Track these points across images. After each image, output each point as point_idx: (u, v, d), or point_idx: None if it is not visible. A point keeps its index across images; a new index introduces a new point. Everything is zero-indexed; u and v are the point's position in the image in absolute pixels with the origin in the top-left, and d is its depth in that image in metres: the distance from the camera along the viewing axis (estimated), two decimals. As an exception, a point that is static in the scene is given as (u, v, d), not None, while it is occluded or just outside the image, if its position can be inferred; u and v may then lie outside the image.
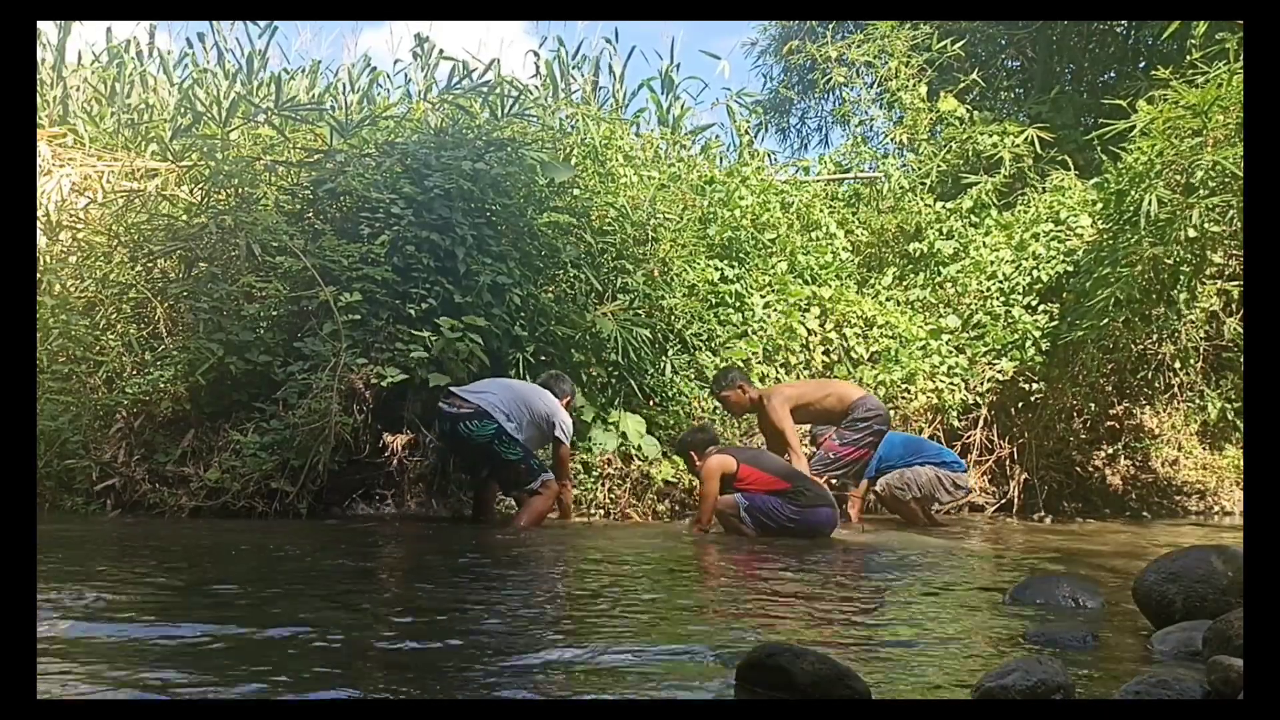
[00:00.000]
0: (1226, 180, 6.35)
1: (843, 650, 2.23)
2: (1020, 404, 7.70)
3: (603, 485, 5.93)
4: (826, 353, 7.62)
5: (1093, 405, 7.74)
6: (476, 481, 5.44)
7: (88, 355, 5.71)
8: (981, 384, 7.49)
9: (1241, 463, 7.57)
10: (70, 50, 9.77)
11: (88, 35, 22.96)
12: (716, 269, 7.47)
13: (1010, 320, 7.69)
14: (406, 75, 11.54)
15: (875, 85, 10.13)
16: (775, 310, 7.51)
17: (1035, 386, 7.53)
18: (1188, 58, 7.06)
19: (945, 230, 8.53)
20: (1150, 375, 7.67)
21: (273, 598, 2.83)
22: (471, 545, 4.45)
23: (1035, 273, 7.80)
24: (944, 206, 8.69)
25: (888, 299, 8.20)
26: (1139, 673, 1.80)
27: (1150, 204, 6.48)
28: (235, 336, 5.39)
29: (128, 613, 2.42)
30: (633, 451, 6.05)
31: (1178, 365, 7.43)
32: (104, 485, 5.21)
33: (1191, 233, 6.45)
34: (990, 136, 8.91)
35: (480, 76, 8.16)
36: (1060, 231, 7.93)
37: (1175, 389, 7.69)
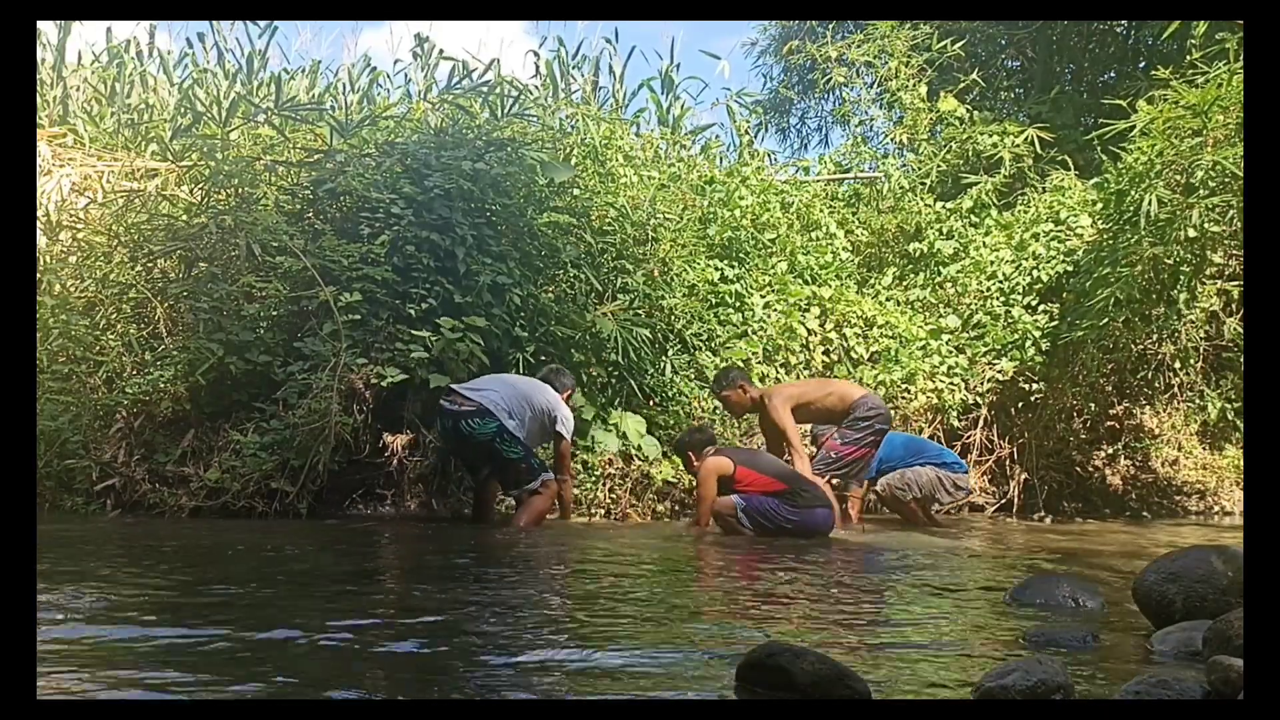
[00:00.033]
0: (1226, 180, 6.35)
1: (843, 650, 2.24)
2: (1020, 404, 7.70)
3: (603, 485, 5.93)
4: (826, 353, 7.62)
5: (1093, 405, 7.74)
6: (477, 481, 5.44)
7: (88, 355, 5.71)
8: (981, 384, 7.49)
9: (1241, 463, 7.57)
10: (70, 50, 9.79)
11: (88, 35, 22.96)
12: (716, 269, 7.47)
13: (1010, 320, 7.69)
14: (406, 75, 11.56)
15: (875, 85, 10.13)
16: (775, 310, 7.51)
17: (1035, 386, 7.53)
18: (1188, 58, 7.05)
19: (945, 230, 8.53)
20: (1150, 375, 7.67)
21: (273, 598, 2.83)
22: (471, 545, 4.45)
23: (1035, 273, 7.80)
24: (944, 206, 8.69)
25: (888, 299, 8.20)
26: (1139, 673, 1.80)
27: (1150, 204, 6.48)
28: (235, 336, 5.39)
29: (128, 613, 2.42)
30: (633, 451, 6.05)
31: (1178, 365, 7.43)
32: (104, 485, 5.21)
33: (1191, 233, 6.45)
34: (990, 136, 8.91)
35: (480, 76, 8.16)
36: (1060, 231, 7.93)
37: (1175, 389, 7.68)
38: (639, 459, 6.04)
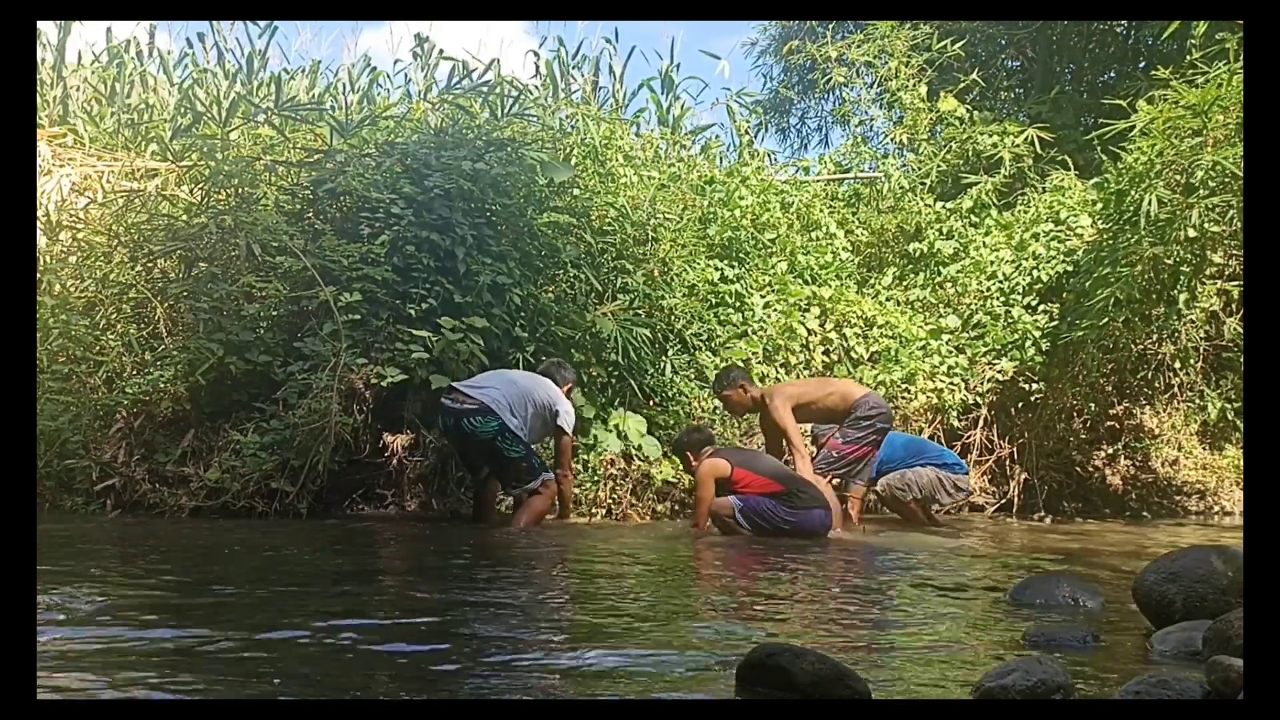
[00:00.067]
0: (1226, 180, 6.35)
1: (843, 650, 2.24)
2: (1020, 404, 7.70)
3: (604, 485, 5.93)
4: (826, 353, 7.61)
5: (1093, 405, 7.73)
6: (477, 481, 5.44)
7: (88, 355, 5.71)
8: (981, 384, 7.49)
9: (1241, 463, 7.57)
10: (70, 50, 9.79)
11: (88, 35, 22.96)
12: (716, 269, 7.47)
13: (1010, 320, 7.69)
14: (406, 75, 11.55)
15: (875, 85, 10.13)
16: (775, 310, 7.50)
17: (1035, 386, 7.53)
18: (1188, 58, 7.05)
19: (945, 230, 8.53)
20: (1150, 375, 7.66)
21: (272, 598, 2.83)
22: (471, 545, 4.45)
23: (1035, 273, 7.80)
24: (944, 206, 8.69)
25: (888, 299, 8.20)
26: (1139, 673, 1.80)
27: (1150, 204, 6.48)
28: (235, 336, 5.39)
29: (127, 613, 2.42)
30: (633, 451, 6.05)
31: (1178, 365, 7.42)
32: (104, 485, 5.21)
33: (1191, 233, 6.45)
34: (990, 136, 8.90)
35: (480, 76, 8.16)
36: (1060, 231, 7.93)
37: (1175, 389, 7.68)
38: (639, 459, 6.04)
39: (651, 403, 6.52)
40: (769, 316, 7.45)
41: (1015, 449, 7.66)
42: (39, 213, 6.09)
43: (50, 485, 5.24)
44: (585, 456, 5.93)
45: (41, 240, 6.15)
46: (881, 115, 10.30)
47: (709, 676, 1.94)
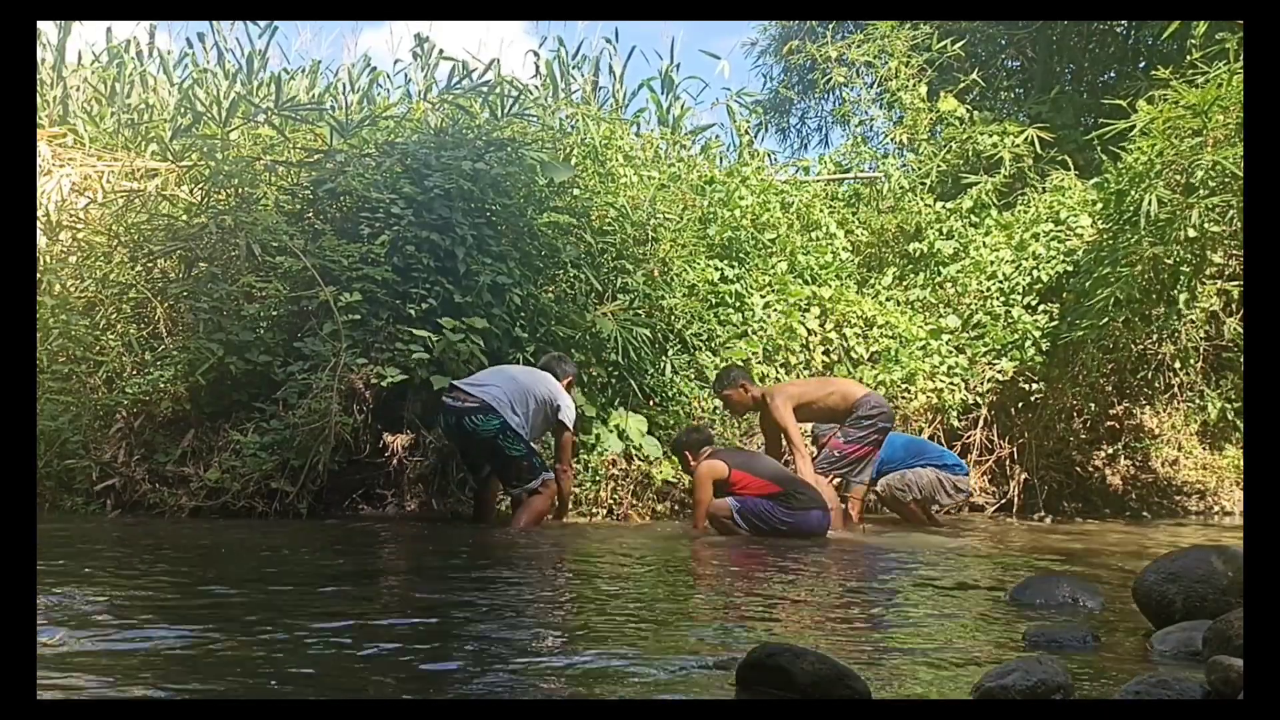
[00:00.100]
0: (1226, 180, 6.35)
1: (843, 650, 2.24)
2: (1020, 404, 7.70)
3: (606, 485, 5.93)
4: (826, 353, 7.61)
5: (1093, 405, 7.73)
6: (479, 480, 5.44)
7: (88, 355, 5.71)
8: (981, 384, 7.49)
9: (1241, 463, 7.57)
10: (70, 50, 9.79)
11: (88, 35, 22.97)
12: (716, 269, 7.47)
13: (1010, 320, 7.69)
14: (406, 75, 11.56)
15: (875, 85, 10.13)
16: (775, 310, 7.50)
17: (1035, 386, 7.53)
18: (1188, 58, 7.05)
19: (945, 230, 8.53)
20: (1150, 375, 7.66)
21: (272, 598, 2.83)
22: (471, 546, 4.45)
23: (1035, 273, 7.80)
24: (944, 206, 8.69)
25: (888, 299, 8.20)
26: (1139, 673, 1.80)
27: (1150, 204, 6.48)
28: (235, 336, 5.39)
29: (127, 613, 2.42)
30: (633, 451, 6.05)
31: (1178, 365, 7.42)
32: (104, 485, 5.21)
33: (1191, 233, 6.45)
34: (990, 136, 8.90)
35: (480, 76, 8.16)
36: (1060, 231, 7.93)
37: (1175, 389, 7.68)
38: (639, 459, 6.04)
39: (651, 403, 6.52)
40: (769, 316, 7.45)
41: (1015, 449, 7.66)
42: (39, 213, 6.09)
43: (50, 485, 5.24)
44: (586, 457, 5.93)
45: (41, 240, 6.15)
46: (881, 115, 10.31)
47: (709, 677, 1.94)
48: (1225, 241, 6.71)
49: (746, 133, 11.05)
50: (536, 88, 10.09)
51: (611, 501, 5.91)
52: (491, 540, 4.69)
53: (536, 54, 17.46)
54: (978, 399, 7.48)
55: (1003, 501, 7.52)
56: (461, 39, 27.27)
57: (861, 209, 9.42)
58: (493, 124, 6.99)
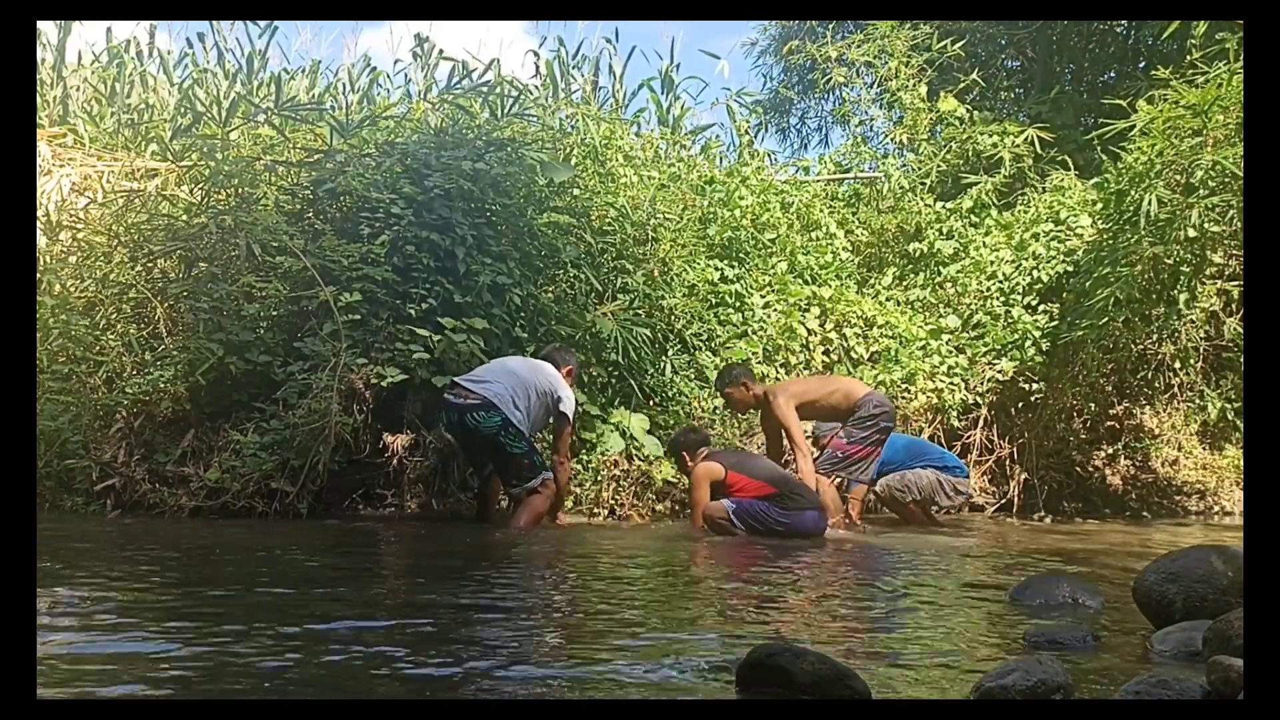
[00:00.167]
0: (1226, 180, 6.35)
1: (842, 650, 2.24)
2: (1020, 404, 7.70)
3: (606, 486, 5.93)
4: (826, 353, 7.61)
5: (1093, 405, 7.73)
6: (481, 478, 5.44)
7: (88, 355, 5.71)
8: (981, 384, 7.49)
9: (1241, 463, 7.57)
10: (70, 50, 9.79)
11: (88, 35, 22.98)
12: (716, 269, 7.47)
13: (1010, 320, 7.69)
14: (406, 75, 11.56)
15: (875, 85, 10.13)
16: (775, 310, 7.51)
17: (1035, 386, 7.53)
18: (1188, 58, 7.05)
19: (945, 230, 8.53)
20: (1150, 375, 7.66)
21: (272, 598, 2.83)
22: (471, 546, 4.45)
23: (1035, 273, 7.80)
24: (944, 206, 8.69)
25: (888, 299, 8.20)
26: (1139, 673, 1.80)
27: (1150, 204, 6.48)
28: (235, 336, 5.39)
29: (127, 613, 2.43)
30: (634, 451, 6.05)
31: (1178, 365, 7.43)
32: (104, 485, 5.21)
33: (1191, 233, 6.45)
34: (990, 136, 8.90)
35: (480, 76, 8.16)
36: (1060, 231, 7.93)
37: (1175, 389, 7.68)
38: (640, 459, 6.04)
39: (651, 403, 6.53)
40: (769, 316, 7.45)
41: (1015, 449, 7.66)
42: (39, 213, 6.09)
43: (50, 485, 5.24)
44: (587, 457, 5.93)
45: (41, 240, 6.15)
46: (881, 115, 10.31)
47: (709, 677, 1.94)
48: (1225, 241, 6.71)
49: (746, 133, 11.05)
50: (536, 88, 10.10)
51: (613, 502, 5.91)
52: (491, 540, 4.69)
53: (536, 54, 17.48)
54: (978, 399, 7.48)
55: (1003, 501, 7.52)
56: (461, 39, 27.29)
57: (861, 209, 9.43)
58: (493, 124, 6.99)
